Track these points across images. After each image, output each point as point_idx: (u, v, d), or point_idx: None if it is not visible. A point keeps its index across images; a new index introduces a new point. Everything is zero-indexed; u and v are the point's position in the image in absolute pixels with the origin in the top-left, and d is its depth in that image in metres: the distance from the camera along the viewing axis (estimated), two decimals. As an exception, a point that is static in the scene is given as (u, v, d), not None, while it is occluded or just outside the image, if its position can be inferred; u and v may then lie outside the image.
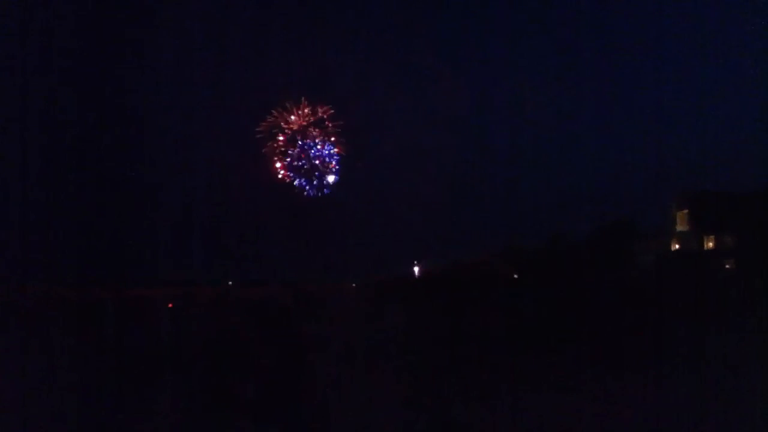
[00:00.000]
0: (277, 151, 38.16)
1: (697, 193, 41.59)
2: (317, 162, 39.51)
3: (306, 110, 36.91)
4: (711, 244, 38.33)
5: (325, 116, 38.31)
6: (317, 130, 38.10)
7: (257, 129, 38.62)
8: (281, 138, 38.25)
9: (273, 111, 37.16)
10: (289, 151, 37.98)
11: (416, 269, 49.63)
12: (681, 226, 42.06)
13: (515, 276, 38.62)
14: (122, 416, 10.76)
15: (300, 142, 37.91)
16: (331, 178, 40.55)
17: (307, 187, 39.67)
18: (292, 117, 37.54)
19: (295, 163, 37.74)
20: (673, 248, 41.12)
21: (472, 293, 29.80)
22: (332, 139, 38.64)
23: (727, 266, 33.78)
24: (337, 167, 38.91)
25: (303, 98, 37.88)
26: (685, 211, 41.73)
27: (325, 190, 40.94)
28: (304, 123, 37.95)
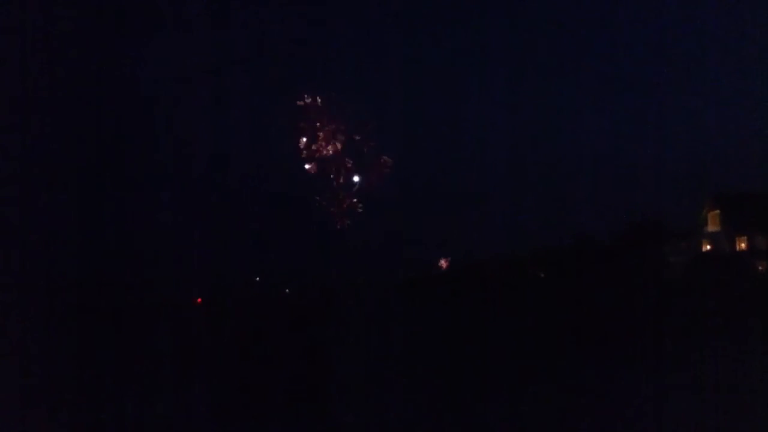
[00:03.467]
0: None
1: (728, 194, 40.78)
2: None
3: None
4: (743, 245, 37.67)
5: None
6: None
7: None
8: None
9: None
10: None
11: (443, 266, 49.81)
12: (712, 227, 41.33)
13: (541, 275, 38.42)
14: (147, 416, 11.02)
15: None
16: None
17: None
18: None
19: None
20: (703, 249, 40.45)
21: (498, 292, 29.75)
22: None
23: (761, 267, 33.13)
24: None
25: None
26: (717, 211, 41.01)
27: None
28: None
